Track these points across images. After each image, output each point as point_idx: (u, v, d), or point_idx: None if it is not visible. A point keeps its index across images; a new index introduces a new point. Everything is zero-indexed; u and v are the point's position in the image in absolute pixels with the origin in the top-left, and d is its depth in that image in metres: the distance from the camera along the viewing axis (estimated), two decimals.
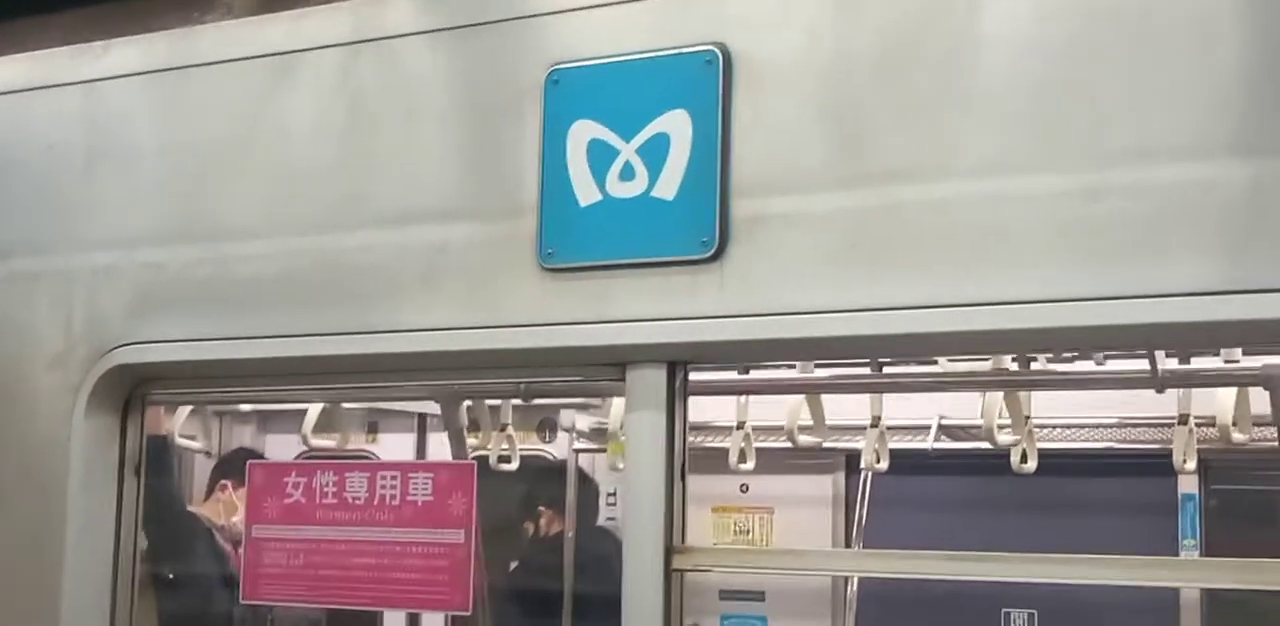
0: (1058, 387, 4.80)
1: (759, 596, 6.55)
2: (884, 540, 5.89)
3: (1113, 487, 5.98)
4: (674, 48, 2.50)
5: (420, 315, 2.69)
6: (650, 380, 2.49)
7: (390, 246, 2.73)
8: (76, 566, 2.98)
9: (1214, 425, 4.62)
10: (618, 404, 4.98)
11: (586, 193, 2.55)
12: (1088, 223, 2.18)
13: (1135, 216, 2.15)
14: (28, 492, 3.07)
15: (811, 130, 2.40)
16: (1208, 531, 5.71)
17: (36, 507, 3.04)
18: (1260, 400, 4.46)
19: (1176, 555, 5.52)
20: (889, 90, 2.35)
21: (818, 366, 4.92)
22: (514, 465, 5.79)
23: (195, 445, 5.52)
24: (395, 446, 7.14)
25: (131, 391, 3.02)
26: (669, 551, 2.46)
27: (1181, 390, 4.66)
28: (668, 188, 2.48)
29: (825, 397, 5.24)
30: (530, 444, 6.51)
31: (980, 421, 5.12)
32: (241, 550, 3.08)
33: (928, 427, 6.05)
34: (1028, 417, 4.75)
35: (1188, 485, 5.64)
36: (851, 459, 6.09)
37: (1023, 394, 4.68)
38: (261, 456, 6.65)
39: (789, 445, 5.60)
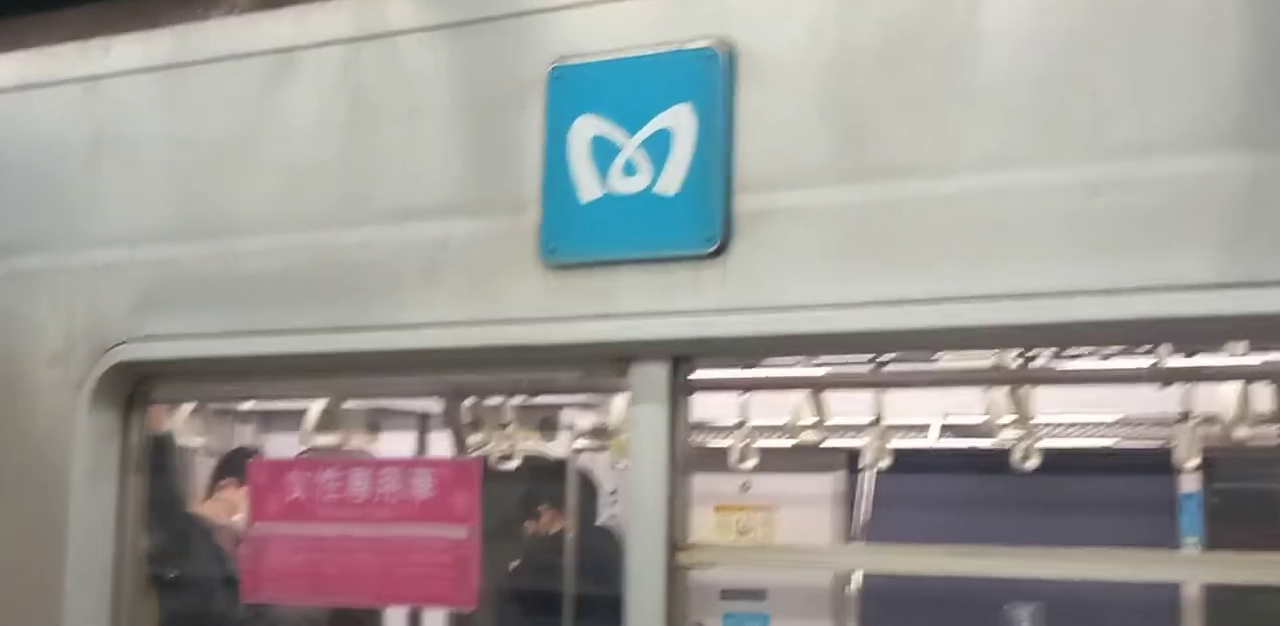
0: (1061, 383, 4.81)
1: (760, 595, 6.55)
2: (885, 538, 5.89)
3: (1114, 486, 5.98)
4: (677, 43, 2.50)
5: (423, 311, 2.69)
6: (653, 376, 2.49)
7: (393, 242, 2.73)
8: (78, 564, 2.97)
9: (1216, 423, 4.63)
10: (619, 401, 4.98)
11: (589, 188, 2.55)
12: (1090, 217, 2.17)
13: (1138, 210, 2.14)
14: (29, 490, 3.06)
15: (815, 125, 2.40)
16: (1210, 529, 5.71)
17: (38, 505, 3.04)
18: (1263, 397, 4.47)
19: None
20: (892, 85, 2.35)
21: (819, 364, 4.93)
22: (514, 464, 5.80)
23: (196, 443, 5.51)
24: (395, 445, 7.14)
25: (134, 388, 3.02)
26: (673, 547, 2.45)
27: (1183, 388, 4.67)
28: (671, 183, 2.47)
29: (825, 395, 5.25)
30: (530, 443, 6.51)
31: (982, 419, 5.14)
32: (243, 548, 3.08)
33: (929, 426, 6.07)
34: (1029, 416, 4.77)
35: (1190, 483, 5.64)
36: (853, 457, 6.10)
37: (1026, 391, 4.69)
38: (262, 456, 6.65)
39: (790, 443, 5.61)
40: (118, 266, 3.02)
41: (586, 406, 6.50)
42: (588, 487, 6.55)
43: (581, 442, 6.56)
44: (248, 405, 6.93)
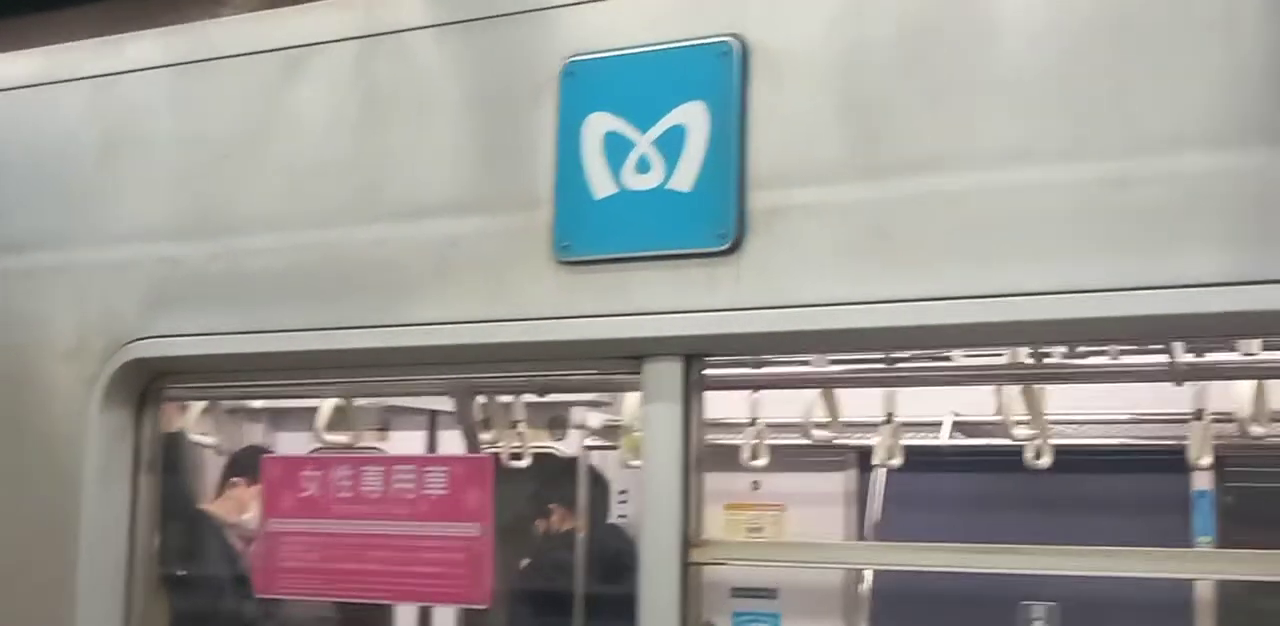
0: (1074, 381, 4.79)
1: (771, 593, 6.54)
2: (896, 538, 5.87)
3: (1127, 484, 5.96)
4: (690, 39, 2.49)
5: (435, 309, 2.68)
6: (667, 373, 2.48)
7: (405, 240, 2.73)
8: (91, 562, 2.97)
9: (1229, 421, 4.62)
10: (631, 399, 4.98)
11: (602, 185, 2.54)
12: (1110, 212, 2.17)
13: (1160, 205, 2.13)
14: (42, 487, 3.06)
15: (829, 121, 2.39)
16: (1223, 528, 5.70)
17: (51, 502, 3.03)
18: (1277, 395, 4.46)
19: None
20: (908, 79, 2.34)
21: (831, 363, 4.92)
22: (525, 462, 5.80)
23: (207, 441, 5.52)
24: (406, 444, 7.14)
25: (147, 386, 3.01)
26: (686, 544, 2.45)
27: (1197, 386, 4.66)
28: (684, 180, 2.47)
29: (837, 394, 5.24)
30: (541, 441, 6.51)
31: (994, 418, 5.13)
32: (255, 545, 3.08)
33: (940, 424, 6.05)
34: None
35: (1203, 481, 5.63)
36: (864, 455, 6.09)
37: (1039, 389, 4.68)
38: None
39: (801, 442, 5.60)
40: (131, 264, 3.02)
41: (597, 404, 6.50)
42: (598, 486, 6.55)
43: (592, 441, 6.56)
44: (258, 404, 6.94)
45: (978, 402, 5.34)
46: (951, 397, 5.72)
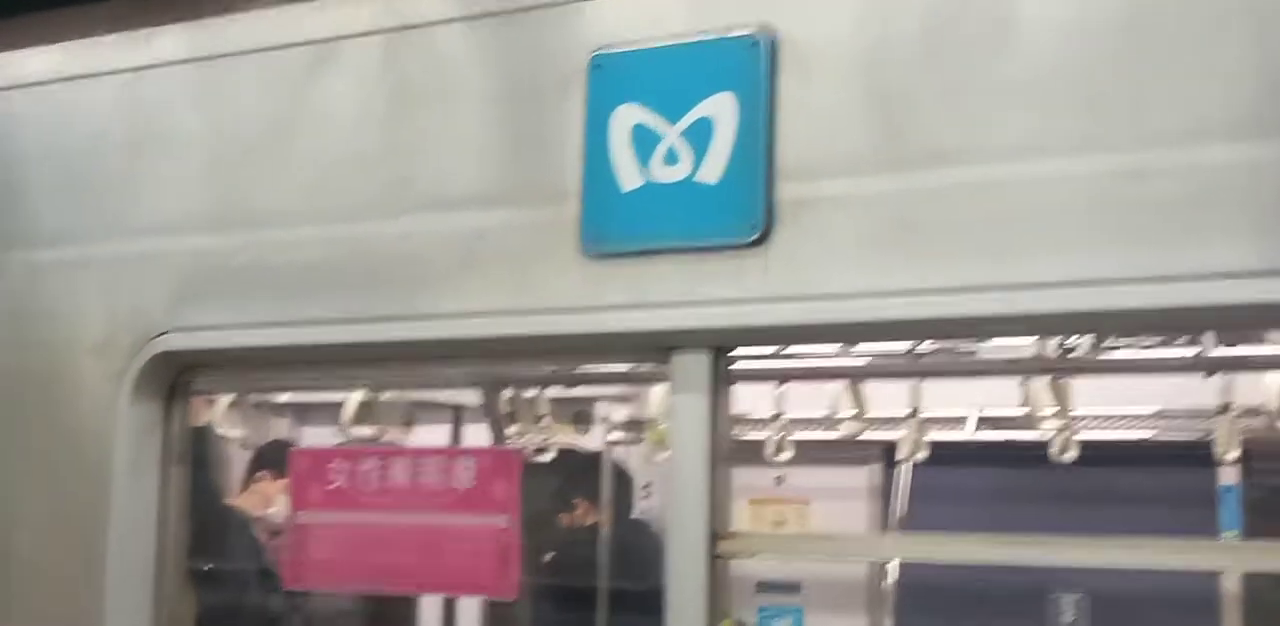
0: (1100, 373, 4.78)
1: (795, 588, 6.54)
2: (922, 532, 5.86)
3: (1153, 478, 5.94)
4: (718, 31, 2.49)
5: (462, 301, 2.69)
6: (694, 366, 2.48)
7: (432, 233, 2.73)
8: (120, 555, 2.98)
9: (1257, 414, 4.60)
10: (657, 391, 4.97)
11: (630, 178, 2.54)
12: (1133, 204, 2.16)
13: (1181, 197, 2.13)
14: (72, 481, 3.08)
15: (857, 113, 2.39)
16: (1249, 523, 5.67)
17: (80, 496, 3.05)
18: None
19: None
20: (934, 72, 2.34)
21: (858, 355, 4.91)
22: (549, 456, 5.80)
23: (234, 435, 5.54)
24: (430, 438, 7.15)
25: (175, 379, 3.03)
26: (713, 537, 2.45)
27: (1223, 378, 4.64)
28: (712, 172, 2.47)
29: (863, 387, 5.23)
30: (565, 436, 6.51)
31: (1019, 411, 5.11)
32: (284, 538, 3.08)
33: (966, 418, 6.04)
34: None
35: (1229, 476, 5.60)
36: (889, 450, 6.08)
37: (1065, 382, 4.67)
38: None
39: (825, 437, 5.59)
40: (159, 257, 3.03)
41: (621, 399, 6.50)
42: (623, 480, 6.55)
43: (616, 435, 6.56)
44: (284, 398, 6.96)
45: (1003, 396, 5.32)
46: (976, 391, 5.71)
